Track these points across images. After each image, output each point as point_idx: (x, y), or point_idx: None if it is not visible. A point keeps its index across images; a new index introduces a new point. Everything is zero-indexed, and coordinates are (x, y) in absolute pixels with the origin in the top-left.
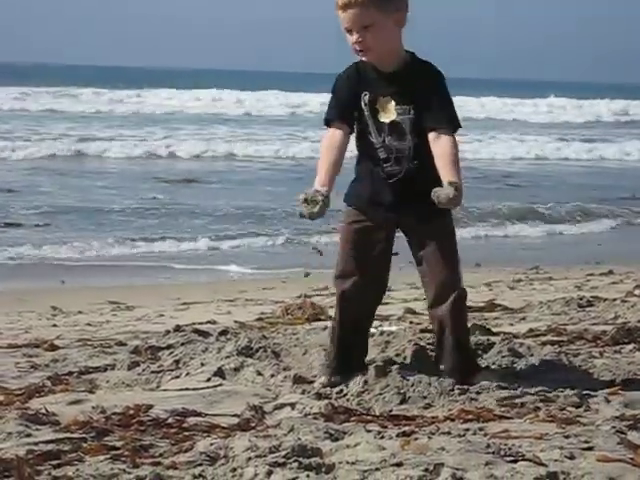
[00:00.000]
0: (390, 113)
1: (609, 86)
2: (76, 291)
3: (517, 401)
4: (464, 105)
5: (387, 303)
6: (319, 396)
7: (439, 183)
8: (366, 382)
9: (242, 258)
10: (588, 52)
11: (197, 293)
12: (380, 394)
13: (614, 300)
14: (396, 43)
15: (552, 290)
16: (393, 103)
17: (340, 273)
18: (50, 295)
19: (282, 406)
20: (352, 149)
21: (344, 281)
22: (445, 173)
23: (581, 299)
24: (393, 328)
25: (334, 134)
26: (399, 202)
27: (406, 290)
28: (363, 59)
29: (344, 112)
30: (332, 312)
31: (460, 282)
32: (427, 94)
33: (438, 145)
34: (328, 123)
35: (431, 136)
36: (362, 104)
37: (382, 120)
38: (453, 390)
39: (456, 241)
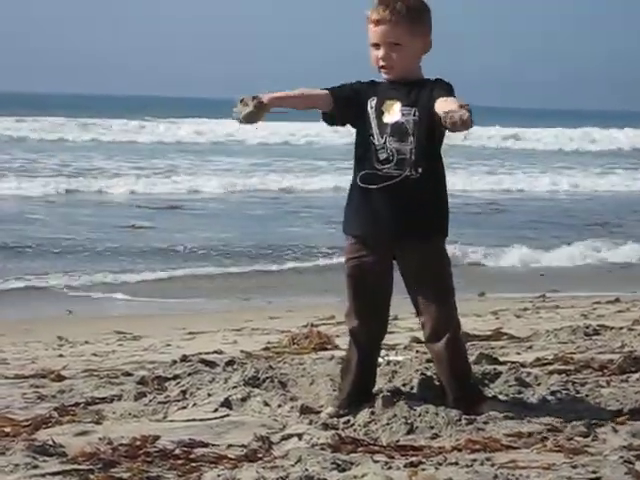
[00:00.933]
0: (394, 114)
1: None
2: (82, 321)
3: (524, 431)
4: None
5: (393, 332)
6: (326, 426)
7: (438, 200)
8: (373, 412)
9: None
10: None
11: (203, 322)
12: (387, 424)
13: (621, 329)
14: (417, 65)
15: (558, 318)
16: (399, 104)
17: (347, 311)
18: (56, 325)
19: (289, 437)
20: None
21: (351, 319)
22: (453, 104)
23: (587, 327)
24: (400, 358)
25: (318, 90)
26: (397, 217)
27: (412, 319)
28: (384, 76)
29: (341, 92)
30: (338, 341)
31: (455, 318)
32: (432, 92)
33: (444, 100)
34: (326, 88)
35: (438, 101)
36: (368, 108)
37: (385, 121)
38: (460, 420)
39: (451, 273)
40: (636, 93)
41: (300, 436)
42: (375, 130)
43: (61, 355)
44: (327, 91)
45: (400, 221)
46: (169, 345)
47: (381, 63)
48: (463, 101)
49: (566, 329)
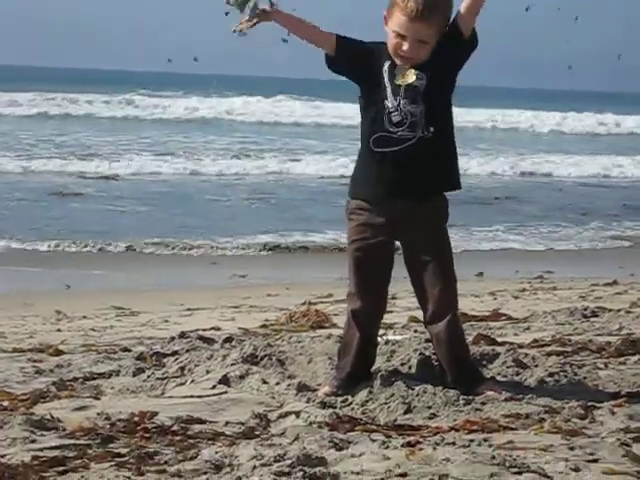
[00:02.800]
0: (408, 77)
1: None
2: (80, 295)
3: (522, 412)
4: None
5: (391, 311)
6: (324, 405)
7: (450, 157)
8: (371, 391)
9: None
10: None
11: (201, 299)
12: (385, 403)
13: (618, 311)
14: None
15: (556, 300)
16: (412, 70)
17: (350, 291)
18: (55, 299)
19: (287, 414)
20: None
21: (354, 300)
22: None
23: (585, 309)
24: (398, 337)
25: (328, 32)
26: (406, 180)
27: (410, 298)
28: (398, 62)
29: (347, 40)
30: (336, 320)
31: (456, 300)
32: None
33: None
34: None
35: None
36: (382, 70)
37: (398, 83)
38: (458, 400)
39: (453, 257)
40: None
41: (298, 414)
42: (389, 93)
43: (59, 330)
44: (334, 35)
45: (417, 179)
46: (167, 321)
47: (404, 54)
48: None
49: (564, 311)
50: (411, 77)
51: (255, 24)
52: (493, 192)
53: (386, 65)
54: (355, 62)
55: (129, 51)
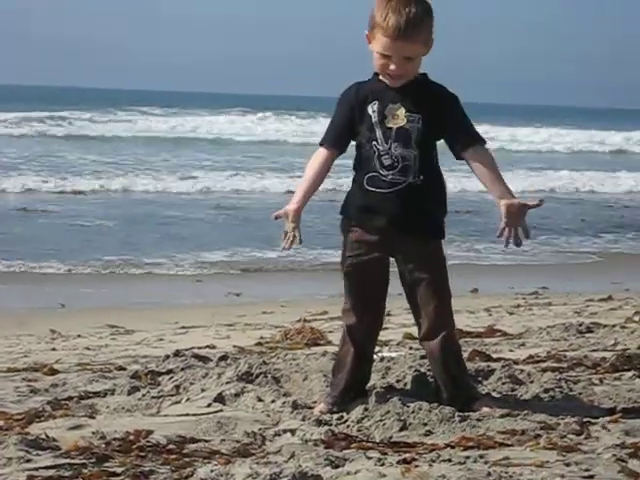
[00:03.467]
0: (399, 119)
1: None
2: (75, 314)
3: (518, 428)
4: None
5: (386, 328)
6: (319, 422)
7: (439, 205)
8: (366, 409)
9: None
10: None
11: (196, 317)
12: (380, 421)
13: (613, 326)
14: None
15: (551, 316)
16: (403, 110)
17: (345, 308)
18: (49, 318)
19: (283, 432)
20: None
21: (349, 316)
22: (498, 191)
23: (580, 325)
24: (393, 354)
25: (322, 154)
26: (398, 217)
27: (405, 315)
28: (388, 82)
29: (338, 137)
30: (331, 337)
31: (451, 317)
32: (447, 115)
33: (480, 160)
34: (321, 143)
35: (468, 153)
36: (369, 111)
37: (390, 126)
38: (454, 417)
39: (447, 274)
40: None
41: (293, 432)
42: (379, 135)
43: (54, 349)
44: (329, 150)
45: (403, 223)
46: (162, 339)
47: (391, 72)
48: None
49: (559, 326)
50: (402, 119)
51: (294, 236)
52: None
53: (374, 106)
54: (349, 133)
55: (110, 68)
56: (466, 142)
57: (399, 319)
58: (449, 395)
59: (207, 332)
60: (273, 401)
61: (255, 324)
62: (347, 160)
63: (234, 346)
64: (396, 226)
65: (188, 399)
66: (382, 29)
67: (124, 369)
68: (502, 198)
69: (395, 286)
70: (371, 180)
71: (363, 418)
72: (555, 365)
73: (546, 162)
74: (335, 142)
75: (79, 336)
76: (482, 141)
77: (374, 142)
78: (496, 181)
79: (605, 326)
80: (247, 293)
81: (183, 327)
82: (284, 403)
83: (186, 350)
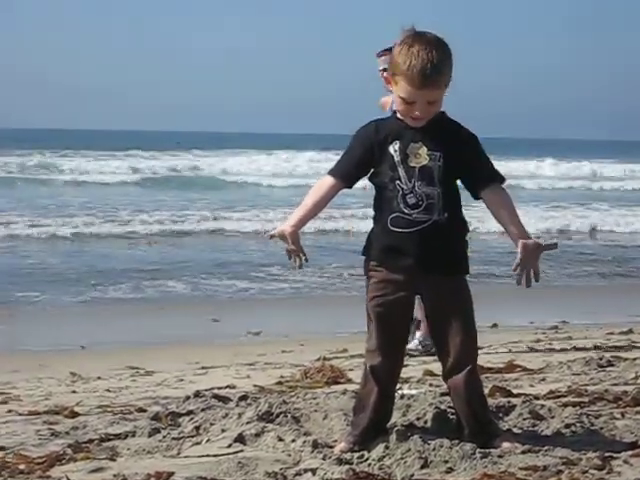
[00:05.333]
0: (421, 158)
1: None
2: (95, 356)
3: (539, 464)
4: None
5: (406, 365)
6: (340, 461)
7: (462, 242)
8: (387, 447)
9: None
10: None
11: (216, 357)
12: (401, 458)
13: (634, 359)
14: None
15: (572, 350)
16: (425, 149)
17: (370, 348)
18: (69, 360)
19: (303, 472)
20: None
21: (374, 356)
22: (516, 231)
23: (601, 359)
24: (413, 392)
25: (328, 184)
26: (424, 255)
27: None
28: (411, 123)
29: (350, 171)
30: (351, 375)
31: (476, 353)
32: (466, 154)
33: (498, 200)
34: (330, 173)
35: (486, 192)
36: (391, 151)
37: (412, 165)
38: (475, 454)
39: (473, 309)
40: None
41: (314, 471)
42: (402, 174)
43: (74, 391)
44: (336, 181)
45: (429, 262)
46: (182, 380)
47: (415, 117)
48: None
49: (579, 360)
50: (424, 157)
51: (299, 255)
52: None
53: (396, 145)
54: (365, 170)
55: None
56: (484, 182)
57: (419, 356)
58: (471, 431)
59: (227, 372)
60: (293, 440)
61: (275, 363)
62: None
63: (254, 385)
64: (422, 264)
65: (208, 440)
66: (406, 77)
67: (144, 411)
68: (520, 237)
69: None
70: (395, 220)
71: (384, 456)
72: (576, 400)
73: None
74: (344, 176)
75: (99, 378)
76: (499, 180)
77: (397, 181)
78: (514, 220)
79: (626, 359)
80: (267, 331)
81: (203, 367)
82: (304, 442)
83: (206, 390)
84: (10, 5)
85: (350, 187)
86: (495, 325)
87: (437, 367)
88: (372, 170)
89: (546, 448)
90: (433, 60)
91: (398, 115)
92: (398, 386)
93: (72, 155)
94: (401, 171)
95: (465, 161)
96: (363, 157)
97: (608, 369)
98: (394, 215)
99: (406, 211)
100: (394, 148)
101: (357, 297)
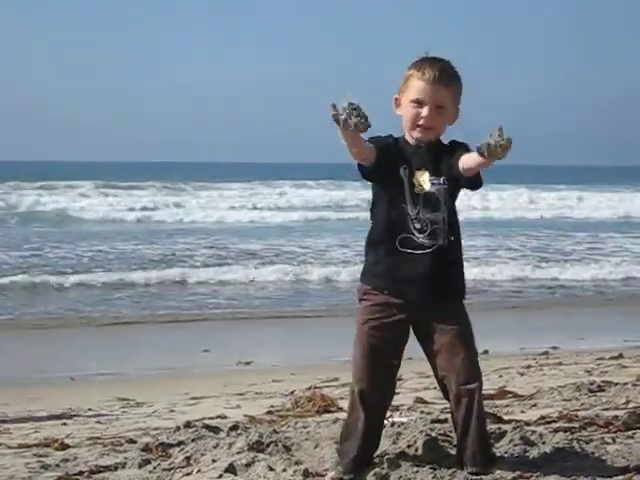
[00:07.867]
0: (425, 184)
1: None
2: (85, 387)
3: None
4: None
5: (397, 393)
6: None
7: (461, 265)
8: (378, 475)
9: None
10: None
11: (206, 387)
12: None
13: (625, 384)
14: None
15: (562, 375)
16: (427, 174)
17: (357, 373)
18: (59, 392)
19: None
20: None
21: (362, 381)
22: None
23: (592, 384)
24: (404, 419)
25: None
26: (427, 279)
27: (416, 379)
28: (417, 135)
29: (381, 148)
30: (342, 403)
31: (480, 371)
32: (453, 155)
33: (467, 156)
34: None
35: (462, 158)
36: (402, 174)
37: (417, 192)
38: None
39: (472, 329)
40: None
41: None
42: (409, 200)
43: (64, 423)
44: (371, 145)
45: (432, 285)
46: (173, 411)
47: (423, 122)
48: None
49: (570, 386)
50: (427, 184)
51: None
52: None
53: (405, 171)
54: (383, 165)
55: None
56: (464, 151)
57: (410, 383)
58: (472, 452)
59: (218, 402)
60: (284, 470)
61: (265, 392)
62: None
63: (245, 415)
64: (425, 287)
65: (199, 470)
66: (418, 76)
67: (135, 442)
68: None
69: (405, 350)
70: (404, 241)
71: None
72: (567, 425)
73: None
74: (378, 145)
75: (89, 410)
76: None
77: (404, 205)
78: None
79: (616, 384)
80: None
81: (193, 397)
82: (295, 472)
83: (197, 421)
84: None
85: (372, 165)
86: (486, 352)
87: (428, 395)
88: (382, 180)
89: (537, 474)
90: (445, 64)
91: (406, 137)
92: (388, 414)
93: None
94: (408, 197)
95: (455, 154)
96: (391, 152)
97: (599, 394)
98: (403, 236)
99: (414, 233)
100: (404, 173)
101: (349, 324)
